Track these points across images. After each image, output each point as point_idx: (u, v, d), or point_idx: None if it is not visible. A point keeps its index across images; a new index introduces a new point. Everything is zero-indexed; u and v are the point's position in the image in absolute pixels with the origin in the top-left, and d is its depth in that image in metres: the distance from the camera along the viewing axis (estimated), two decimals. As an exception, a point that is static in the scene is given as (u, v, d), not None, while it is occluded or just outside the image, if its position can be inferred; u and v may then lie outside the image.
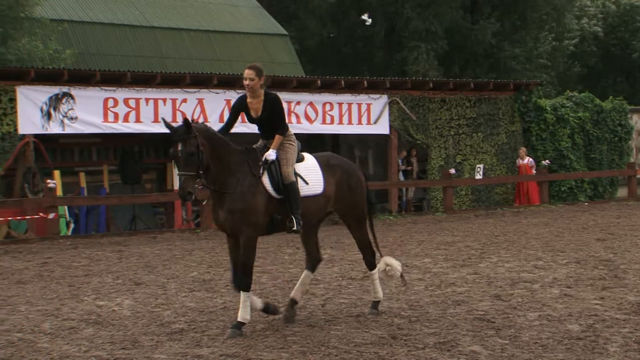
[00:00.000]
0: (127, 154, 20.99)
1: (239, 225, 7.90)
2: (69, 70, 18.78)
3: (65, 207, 18.34)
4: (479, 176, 23.13)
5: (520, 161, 23.73)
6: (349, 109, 21.79)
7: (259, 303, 8.33)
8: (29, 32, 24.80)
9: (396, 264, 9.11)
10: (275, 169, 8.15)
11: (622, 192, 26.05)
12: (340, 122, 21.77)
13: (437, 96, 23.11)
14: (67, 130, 18.41)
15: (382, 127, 22.29)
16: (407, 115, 22.43)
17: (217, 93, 19.95)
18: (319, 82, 21.44)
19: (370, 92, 22.02)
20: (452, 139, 23.26)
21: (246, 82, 8.25)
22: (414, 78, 26.64)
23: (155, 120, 18.79)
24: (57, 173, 18.54)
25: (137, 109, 18.92)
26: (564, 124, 24.89)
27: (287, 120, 8.52)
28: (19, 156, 18.26)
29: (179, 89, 19.45)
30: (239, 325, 7.96)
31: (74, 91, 18.38)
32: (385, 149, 23.20)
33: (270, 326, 8.35)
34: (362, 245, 8.99)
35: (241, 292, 8.02)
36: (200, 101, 19.71)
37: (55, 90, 18.19)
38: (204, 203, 8.48)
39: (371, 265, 8.98)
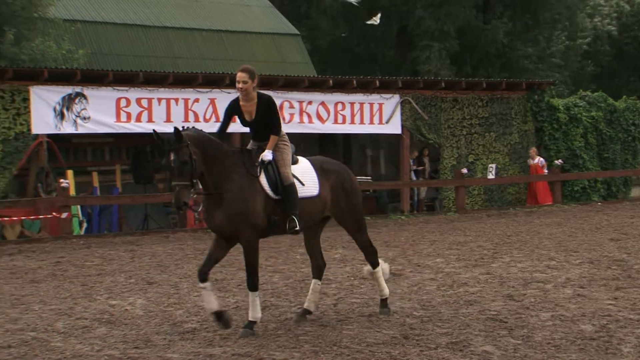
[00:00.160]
0: (140, 153, 21.04)
1: (239, 228, 7.85)
2: (81, 70, 18.86)
3: (78, 207, 18.41)
4: (491, 176, 23.06)
5: (531, 161, 23.65)
6: (361, 109, 21.77)
7: (215, 305, 7.99)
8: (42, 32, 24.90)
9: (385, 267, 9.08)
10: (272, 169, 8.10)
11: (635, 191, 25.94)
12: (352, 122, 21.75)
13: (449, 96, 23.06)
14: (80, 130, 18.47)
15: (394, 127, 22.26)
16: (419, 114, 22.40)
17: (229, 93, 19.92)
18: (330, 81, 21.43)
19: (382, 92, 21.99)
20: (465, 139, 23.21)
21: (239, 86, 8.11)
22: (426, 78, 26.59)
23: (168, 120, 18.84)
24: (70, 173, 18.61)
25: (149, 109, 18.97)
26: (577, 124, 24.79)
27: (281, 121, 8.44)
28: (33, 156, 18.34)
29: (191, 89, 19.49)
30: (251, 324, 7.97)
31: (87, 91, 18.45)
32: (397, 148, 23.16)
33: (282, 325, 8.36)
34: (363, 246, 8.97)
35: (250, 292, 8.02)
36: (212, 101, 19.74)
37: (68, 90, 18.26)
38: (198, 210, 8.33)
39: (374, 264, 8.95)
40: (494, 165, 23.18)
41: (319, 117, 21.21)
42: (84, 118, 18.34)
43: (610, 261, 12.29)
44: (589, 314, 8.60)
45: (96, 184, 20.08)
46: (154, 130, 7.96)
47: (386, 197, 23.89)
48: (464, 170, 22.52)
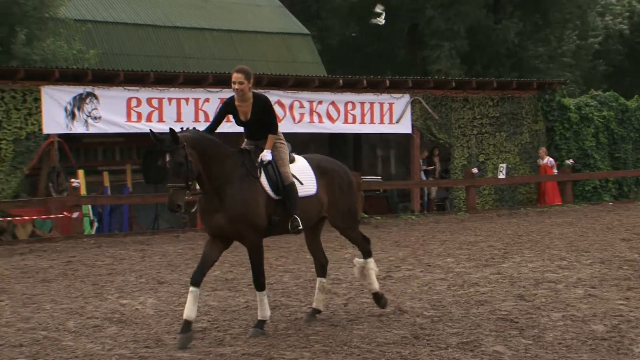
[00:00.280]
0: (150, 153, 21.07)
1: (242, 230, 7.78)
2: (92, 70, 18.92)
3: (89, 206, 18.46)
4: (502, 175, 23.01)
5: (540, 161, 23.58)
6: (371, 109, 21.76)
7: (193, 314, 7.71)
8: (53, 32, 24.98)
9: (375, 269, 9.03)
10: (272, 169, 8.02)
11: (647, 191, 25.82)
12: (362, 122, 21.74)
13: (459, 95, 23.03)
14: (91, 130, 18.53)
15: (405, 127, 22.24)
16: (429, 114, 22.37)
17: (240, 93, 19.96)
18: (341, 81, 21.43)
19: (392, 92, 21.98)
20: (475, 138, 23.17)
21: (235, 87, 7.98)
22: (436, 77, 26.56)
23: (178, 120, 18.87)
24: (80, 172, 18.67)
25: (160, 109, 19.02)
26: (588, 123, 24.71)
27: (277, 120, 8.34)
28: (44, 156, 18.41)
29: (202, 89, 19.53)
30: (261, 324, 7.96)
31: (98, 91, 18.51)
32: (408, 148, 23.15)
33: (293, 325, 8.36)
34: (356, 242, 8.97)
35: (257, 292, 8.01)
36: (222, 101, 19.65)
37: (79, 90, 18.33)
38: (192, 210, 8.24)
39: (368, 253, 8.95)
40: (504, 165, 23.13)
41: (329, 117, 21.21)
42: (95, 118, 18.40)
43: (622, 261, 12.24)
44: (600, 314, 8.56)
45: (107, 183, 20.13)
46: (150, 130, 7.86)
47: (396, 197, 23.87)
48: (475, 170, 22.48)
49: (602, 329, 7.92)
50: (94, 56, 25.14)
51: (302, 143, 22.96)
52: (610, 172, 24.79)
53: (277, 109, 20.48)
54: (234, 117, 8.21)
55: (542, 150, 23.67)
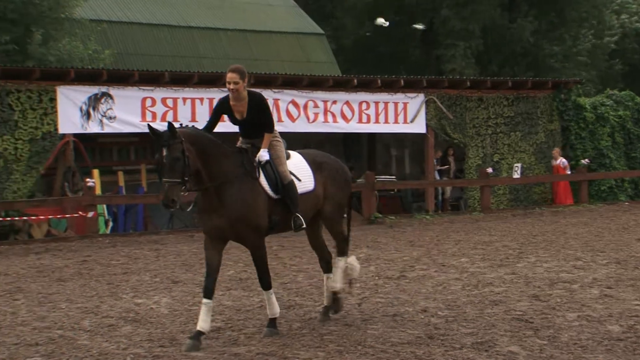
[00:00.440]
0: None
1: (244, 232, 7.72)
2: (108, 71, 18.99)
3: (104, 206, 18.54)
4: (516, 175, 22.93)
5: (554, 162, 23.47)
6: (386, 108, 21.73)
7: (207, 326, 7.67)
8: (69, 32, 25.11)
9: (357, 266, 8.93)
10: (271, 169, 7.95)
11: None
12: (377, 121, 21.71)
13: (474, 95, 22.96)
14: (106, 130, 18.60)
15: (419, 126, 22.20)
16: (444, 114, 22.32)
17: (254, 92, 19.99)
18: (355, 81, 21.42)
19: (406, 91, 21.94)
20: (490, 138, 23.10)
21: (231, 87, 7.84)
22: (451, 77, 26.50)
23: (193, 120, 18.90)
24: (96, 172, 18.74)
25: (174, 109, 19.07)
26: (603, 123, 24.59)
27: (273, 117, 8.24)
28: (59, 155, 18.49)
29: (216, 89, 19.54)
30: (273, 322, 7.96)
31: (113, 91, 18.58)
32: (422, 148, 23.10)
33: (307, 325, 8.36)
34: (339, 238, 8.77)
35: (264, 291, 7.97)
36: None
37: (94, 90, 18.40)
38: (188, 209, 8.14)
39: (342, 252, 8.76)
40: (519, 165, 23.05)
41: (344, 117, 21.20)
42: (110, 118, 18.47)
43: (638, 261, 12.17)
44: (616, 314, 8.52)
45: (122, 183, 20.20)
46: (148, 124, 7.74)
47: (410, 197, 23.83)
48: (489, 170, 22.41)
49: (618, 329, 7.88)
50: (109, 56, 25.25)
51: (316, 143, 22.97)
52: (626, 171, 24.65)
53: (292, 109, 20.62)
54: (230, 117, 8.08)
55: (556, 150, 23.56)
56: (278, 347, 7.41)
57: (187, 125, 7.96)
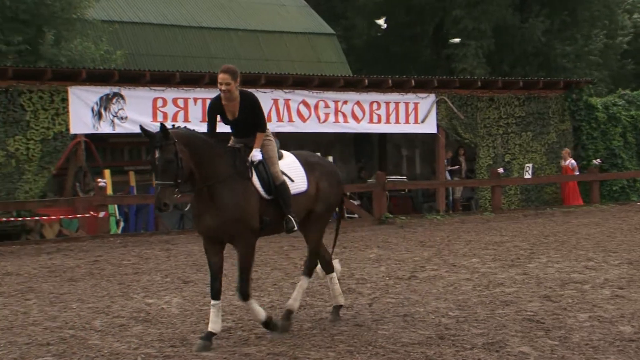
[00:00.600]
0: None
1: (235, 233, 7.57)
2: (119, 71, 19.04)
3: (115, 206, 18.58)
4: (528, 175, 22.87)
5: (563, 162, 23.38)
6: (396, 108, 21.71)
7: (218, 326, 7.68)
8: (80, 33, 25.20)
9: (338, 268, 8.80)
10: (263, 169, 7.84)
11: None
12: (388, 122, 21.70)
13: (485, 95, 22.91)
14: (117, 130, 18.65)
15: (430, 126, 22.17)
16: (455, 114, 22.28)
17: (265, 92, 20.02)
18: (366, 81, 21.41)
19: (417, 91, 21.91)
20: (501, 138, 23.05)
21: (222, 88, 7.72)
22: (462, 77, 26.46)
23: (204, 120, 18.90)
24: (107, 172, 18.79)
25: (185, 109, 19.10)
26: (615, 123, 24.50)
27: (265, 117, 8.12)
28: (71, 156, 18.56)
29: (227, 89, 19.55)
30: (268, 325, 7.80)
31: (124, 91, 18.62)
32: (433, 148, 23.07)
33: (317, 325, 8.36)
34: (312, 249, 8.49)
35: (243, 302, 7.79)
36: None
37: (106, 90, 18.45)
38: (185, 210, 8.01)
39: (308, 272, 8.48)
40: (530, 165, 22.99)
41: (354, 117, 21.19)
42: (121, 118, 18.52)
43: (650, 262, 12.12)
44: (628, 315, 8.48)
45: (133, 183, 20.25)
46: (140, 125, 7.68)
47: (421, 197, 23.80)
48: (500, 170, 22.36)
49: (629, 330, 7.85)
50: (120, 57, 25.33)
51: (327, 143, 23.00)
52: (638, 172, 24.54)
53: (302, 109, 20.64)
54: (221, 116, 7.98)
55: (566, 151, 23.45)
56: (288, 347, 7.41)
57: (179, 126, 7.82)
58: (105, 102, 18.41)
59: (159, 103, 18.88)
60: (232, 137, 8.14)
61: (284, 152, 8.29)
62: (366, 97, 21.33)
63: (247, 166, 7.79)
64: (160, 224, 20.37)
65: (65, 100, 18.06)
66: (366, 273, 11.76)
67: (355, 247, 15.06)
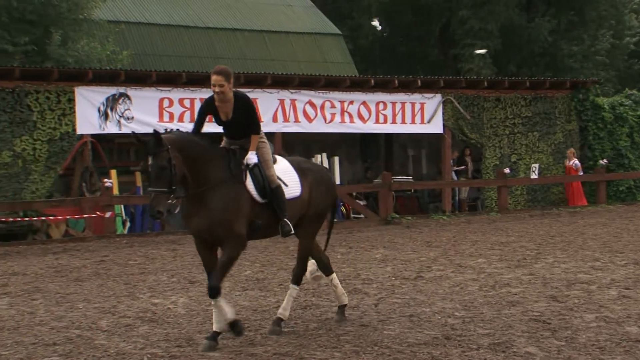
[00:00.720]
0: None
1: (223, 235, 7.45)
2: (125, 71, 19.06)
3: (122, 206, 18.61)
4: (534, 176, 22.83)
5: (567, 162, 23.31)
6: (403, 108, 21.70)
7: (223, 324, 7.65)
8: (87, 33, 25.26)
9: (313, 269, 8.69)
10: (259, 172, 7.73)
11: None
12: (394, 122, 21.68)
13: (491, 95, 22.88)
14: (124, 130, 18.66)
15: (436, 127, 22.15)
16: (461, 114, 22.26)
17: (271, 93, 20.05)
18: (372, 81, 21.40)
19: (424, 91, 21.89)
20: (507, 138, 23.01)
21: (216, 89, 7.63)
22: (468, 77, 26.43)
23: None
24: (113, 172, 18.82)
25: (191, 109, 19.11)
26: (622, 123, 24.45)
27: (259, 118, 8.04)
28: (77, 156, 18.59)
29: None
30: (235, 327, 7.61)
31: (131, 91, 18.65)
32: (439, 148, 23.05)
33: (323, 325, 8.36)
34: (301, 255, 8.41)
35: (212, 300, 7.52)
36: (254, 101, 19.76)
37: (112, 90, 18.48)
38: (175, 212, 7.95)
39: (297, 280, 8.39)
40: (536, 165, 22.95)
41: (361, 117, 21.18)
42: (128, 118, 18.54)
43: (657, 262, 12.09)
44: (634, 315, 8.46)
45: (139, 183, 20.24)
46: (132, 132, 7.63)
47: (427, 197, 23.78)
48: (507, 170, 22.33)
49: (636, 330, 7.83)
50: (127, 57, 25.38)
51: (333, 143, 22.99)
52: (644, 172, 24.49)
53: (309, 109, 20.63)
54: (215, 117, 7.86)
55: (570, 151, 23.37)
56: (294, 348, 7.41)
57: (171, 130, 7.73)
58: (112, 102, 18.43)
59: (165, 103, 18.90)
60: (224, 138, 8.04)
61: (277, 157, 8.20)
62: (372, 98, 21.31)
63: (242, 169, 7.70)
64: (166, 224, 20.39)
65: (71, 100, 18.09)
66: (372, 273, 11.75)
67: (361, 248, 15.06)
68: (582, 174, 23.30)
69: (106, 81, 18.61)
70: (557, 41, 38.58)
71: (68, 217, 17.91)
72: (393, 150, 24.94)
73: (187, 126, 18.91)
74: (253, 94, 19.71)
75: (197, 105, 19.11)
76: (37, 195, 17.68)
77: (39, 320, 8.98)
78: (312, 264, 8.67)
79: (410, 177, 23.85)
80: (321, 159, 21.52)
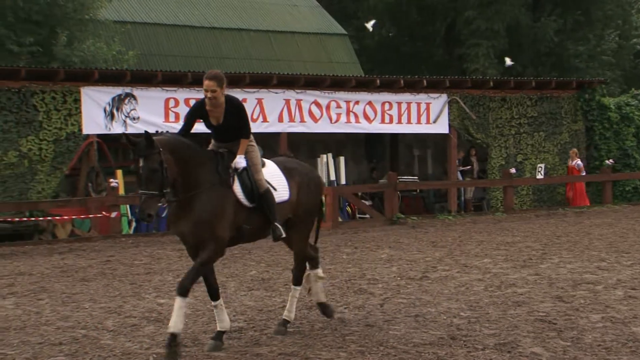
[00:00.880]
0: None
1: (205, 238, 7.30)
2: (131, 71, 19.10)
3: (127, 206, 18.62)
4: (540, 176, 22.80)
5: (570, 162, 23.25)
6: (408, 109, 21.69)
7: (226, 323, 7.67)
8: (93, 34, 25.30)
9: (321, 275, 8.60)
10: (247, 176, 7.62)
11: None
12: (400, 122, 21.69)
13: (497, 95, 22.86)
14: (130, 130, 18.63)
15: (442, 127, 22.15)
16: (467, 114, 22.24)
17: (277, 93, 20.06)
18: (378, 81, 21.40)
19: (429, 91, 21.88)
20: (513, 138, 22.99)
21: (208, 95, 7.50)
22: (474, 77, 26.40)
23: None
24: (119, 172, 18.85)
25: (197, 109, 19.12)
26: (628, 123, 24.41)
27: (250, 123, 7.89)
28: (83, 156, 18.62)
29: (239, 89, 19.58)
30: (172, 338, 7.17)
31: (136, 92, 18.68)
32: (445, 148, 23.04)
33: (329, 325, 8.36)
34: (298, 257, 8.35)
35: (177, 296, 7.23)
36: (259, 101, 19.85)
37: (118, 90, 18.52)
38: (162, 215, 7.82)
39: (297, 281, 8.37)
40: (542, 165, 22.92)
41: (366, 117, 21.19)
42: (134, 118, 18.57)
43: (663, 263, 12.06)
44: (640, 316, 8.45)
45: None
46: (124, 133, 7.55)
47: (433, 197, 23.77)
48: (512, 170, 22.31)
49: (642, 331, 7.82)
50: (132, 57, 25.42)
51: (338, 143, 22.99)
52: (651, 172, 24.44)
53: (314, 109, 20.64)
54: (205, 121, 7.75)
55: (573, 151, 23.31)
56: (300, 348, 7.41)
57: (162, 132, 7.58)
58: (118, 102, 18.47)
59: (171, 103, 18.93)
60: (212, 141, 7.94)
61: (265, 160, 8.10)
62: (378, 98, 21.31)
63: (230, 173, 7.57)
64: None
65: (77, 100, 18.13)
66: (378, 273, 11.75)
67: (366, 248, 15.06)
68: (584, 174, 23.25)
69: (112, 81, 18.65)
70: (563, 41, 38.47)
71: (74, 217, 17.94)
72: (399, 150, 24.94)
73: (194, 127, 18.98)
74: (259, 94, 19.83)
75: (203, 106, 19.21)
76: (43, 195, 17.72)
77: (45, 320, 9.00)
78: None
79: (416, 177, 23.85)
80: (327, 159, 21.55)
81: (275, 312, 9.11)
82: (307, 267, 8.54)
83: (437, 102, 21.98)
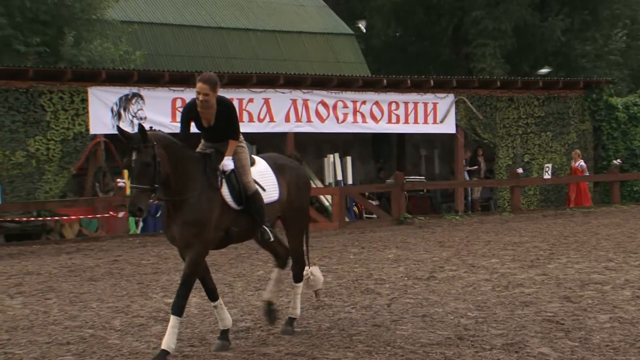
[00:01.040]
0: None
1: (190, 240, 7.20)
2: (138, 71, 19.13)
3: (135, 206, 18.62)
4: (547, 176, 22.75)
5: (573, 163, 23.19)
6: (415, 108, 21.68)
7: (229, 322, 7.65)
8: (100, 34, 25.35)
9: (319, 277, 8.51)
10: (235, 178, 7.49)
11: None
12: (406, 122, 21.67)
13: (504, 95, 22.82)
14: (137, 130, 18.71)
15: (449, 127, 22.12)
16: (474, 114, 22.21)
17: (284, 93, 20.07)
18: (384, 81, 21.39)
19: (436, 91, 21.86)
20: (520, 138, 22.95)
21: (200, 98, 7.41)
22: (481, 77, 26.37)
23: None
24: (126, 172, 18.85)
25: (204, 109, 19.14)
26: (636, 123, 24.34)
27: (239, 124, 7.75)
28: (90, 156, 18.66)
29: (246, 89, 19.63)
30: (164, 353, 7.03)
31: (144, 92, 18.71)
32: (452, 148, 23.01)
33: (336, 325, 8.35)
34: (295, 254, 8.28)
35: (172, 316, 7.10)
36: (266, 101, 19.86)
37: (125, 90, 18.55)
38: (157, 216, 7.69)
39: (297, 278, 8.32)
40: (550, 165, 22.87)
41: (373, 117, 21.18)
42: (141, 118, 18.60)
43: (671, 263, 12.02)
44: (648, 316, 8.42)
45: (152, 183, 20.29)
46: (117, 126, 7.49)
47: (440, 197, 23.75)
48: (520, 170, 22.27)
49: (650, 331, 7.79)
50: (139, 57, 25.46)
51: (345, 143, 22.99)
52: (659, 172, 24.37)
53: (321, 109, 20.63)
54: (196, 123, 7.64)
55: (576, 152, 23.22)
56: (307, 348, 7.41)
57: (152, 129, 7.50)
58: (125, 102, 18.50)
59: (178, 103, 18.95)
60: (202, 141, 7.86)
61: (255, 157, 8.02)
62: (385, 97, 21.30)
63: (217, 175, 7.45)
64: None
65: (85, 100, 18.17)
66: (385, 273, 11.74)
67: (373, 248, 15.05)
68: (587, 174, 23.19)
69: (119, 81, 18.68)
70: (570, 41, 38.38)
71: (81, 216, 17.98)
72: (405, 150, 24.92)
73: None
74: (266, 94, 19.84)
75: (210, 105, 19.22)
76: (51, 195, 17.76)
77: (52, 320, 9.02)
78: (317, 271, 8.51)
79: (423, 177, 23.83)
80: (334, 158, 21.55)
81: (282, 311, 9.10)
82: (306, 264, 8.47)
83: (444, 102, 21.96)
